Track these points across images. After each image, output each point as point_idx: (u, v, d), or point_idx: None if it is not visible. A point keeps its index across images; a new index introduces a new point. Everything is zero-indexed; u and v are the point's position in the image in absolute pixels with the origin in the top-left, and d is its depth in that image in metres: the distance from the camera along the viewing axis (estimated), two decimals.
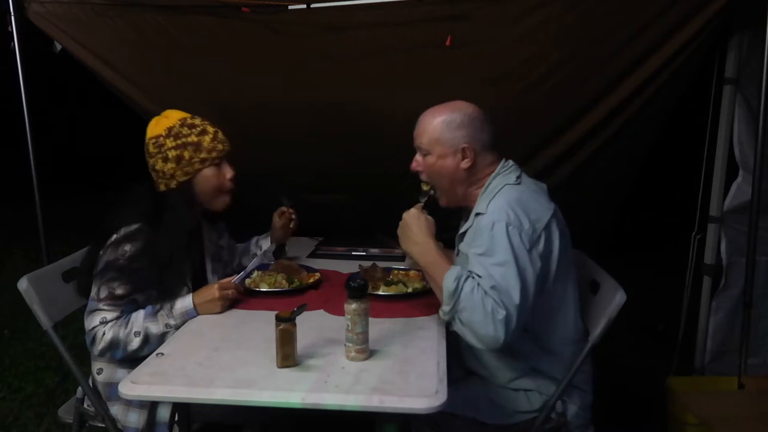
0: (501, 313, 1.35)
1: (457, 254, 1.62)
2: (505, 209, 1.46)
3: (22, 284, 1.63)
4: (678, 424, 2.11)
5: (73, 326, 2.66)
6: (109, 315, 1.55)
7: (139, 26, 2.21)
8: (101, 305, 1.55)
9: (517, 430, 1.59)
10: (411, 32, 2.08)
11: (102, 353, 1.56)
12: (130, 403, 1.60)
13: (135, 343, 1.54)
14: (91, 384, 1.67)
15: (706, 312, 2.36)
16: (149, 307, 1.59)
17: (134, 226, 1.59)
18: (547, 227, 1.48)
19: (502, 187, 1.55)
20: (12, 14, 2.22)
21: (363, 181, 2.54)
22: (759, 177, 2.09)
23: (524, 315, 1.40)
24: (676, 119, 2.43)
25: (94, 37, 2.26)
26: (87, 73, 2.37)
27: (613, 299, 1.58)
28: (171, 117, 1.70)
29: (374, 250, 2.31)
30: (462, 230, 1.61)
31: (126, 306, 1.57)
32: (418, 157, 1.66)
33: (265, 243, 2.11)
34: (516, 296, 1.37)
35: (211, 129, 1.72)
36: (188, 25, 2.18)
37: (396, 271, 1.95)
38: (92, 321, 1.55)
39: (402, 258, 2.11)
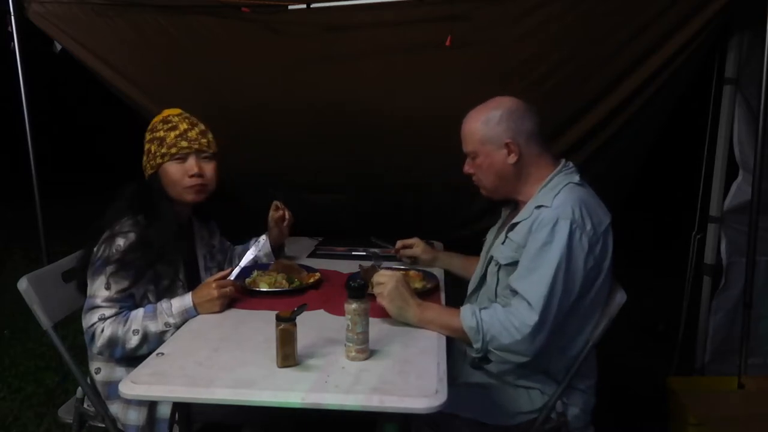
0: (533, 319, 1.41)
1: (503, 242, 1.62)
2: (572, 206, 1.48)
3: (22, 284, 1.63)
4: (678, 424, 2.11)
5: (73, 326, 2.64)
6: (108, 312, 1.55)
7: (139, 26, 2.21)
8: (99, 302, 1.55)
9: (517, 431, 1.59)
10: (411, 32, 2.08)
11: (101, 351, 1.56)
12: (129, 401, 1.60)
13: (134, 341, 1.54)
14: (89, 383, 1.67)
15: (706, 312, 2.36)
16: (149, 306, 1.59)
17: (125, 220, 1.61)
18: (606, 232, 1.52)
19: (566, 184, 1.56)
20: (12, 14, 2.22)
21: (363, 181, 2.54)
22: (759, 177, 2.09)
23: (561, 313, 1.45)
24: (676, 119, 2.43)
25: (94, 37, 2.26)
26: (87, 73, 2.37)
27: (613, 299, 1.58)
28: (163, 113, 1.73)
29: (374, 250, 2.31)
30: (516, 220, 1.61)
31: (123, 301, 1.57)
32: (469, 161, 1.67)
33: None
34: (555, 299, 1.43)
35: (183, 126, 1.69)
36: (188, 25, 2.19)
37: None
38: (91, 318, 1.55)
39: (401, 258, 2.11)
